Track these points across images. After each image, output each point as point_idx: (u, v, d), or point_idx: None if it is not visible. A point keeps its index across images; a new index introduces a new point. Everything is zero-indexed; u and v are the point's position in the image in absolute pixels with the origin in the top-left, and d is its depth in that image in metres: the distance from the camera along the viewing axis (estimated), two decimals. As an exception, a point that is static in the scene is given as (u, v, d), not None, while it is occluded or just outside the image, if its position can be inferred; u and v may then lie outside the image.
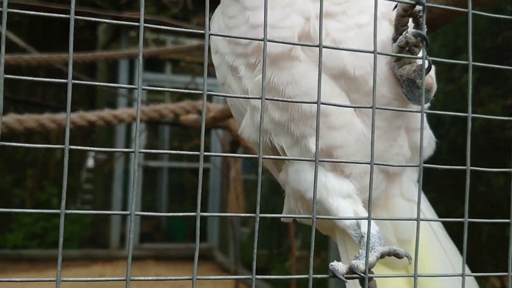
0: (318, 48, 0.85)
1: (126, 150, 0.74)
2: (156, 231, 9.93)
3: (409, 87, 1.17)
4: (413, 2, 1.00)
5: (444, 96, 4.08)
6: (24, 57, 5.22)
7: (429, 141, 1.41)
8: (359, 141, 1.24)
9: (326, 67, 1.16)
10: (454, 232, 1.44)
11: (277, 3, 1.18)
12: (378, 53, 0.88)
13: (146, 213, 0.76)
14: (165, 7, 8.23)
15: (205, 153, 0.74)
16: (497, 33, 3.49)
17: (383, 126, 1.25)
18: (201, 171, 0.74)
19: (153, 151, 0.76)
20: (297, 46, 1.18)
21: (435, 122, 4.26)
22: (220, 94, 0.90)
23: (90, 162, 10.03)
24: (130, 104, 8.35)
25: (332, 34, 1.19)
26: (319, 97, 0.84)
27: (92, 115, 3.63)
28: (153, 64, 9.15)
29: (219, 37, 1.31)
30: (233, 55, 1.28)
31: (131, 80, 8.82)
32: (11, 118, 3.35)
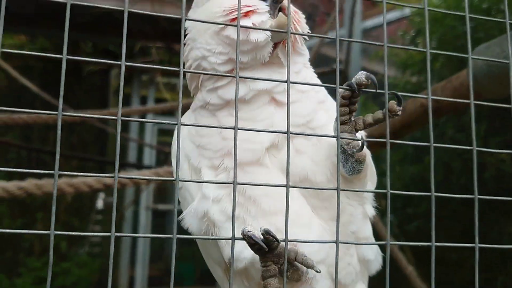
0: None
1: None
2: (165, 275, 9.79)
3: (343, 154, 1.26)
4: (348, 87, 1.18)
5: (452, 143, 4.10)
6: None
7: (376, 254, 1.48)
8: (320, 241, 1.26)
9: (289, 173, 1.26)
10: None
11: (256, 117, 1.32)
12: (342, 138, 0.92)
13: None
14: (177, 54, 8.42)
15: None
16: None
17: (340, 231, 1.31)
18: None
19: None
20: (265, 155, 1.31)
21: (446, 171, 4.28)
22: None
23: (100, 204, 10.02)
24: (140, 148, 8.42)
25: (296, 145, 1.32)
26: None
27: (93, 180, 3.70)
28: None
29: (187, 142, 1.40)
30: (199, 156, 1.37)
31: (141, 124, 8.90)
32: (30, 184, 3.42)
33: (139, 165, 8.27)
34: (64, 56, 0.71)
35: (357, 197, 1.37)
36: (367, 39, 8.31)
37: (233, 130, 0.93)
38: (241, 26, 0.94)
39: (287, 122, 0.91)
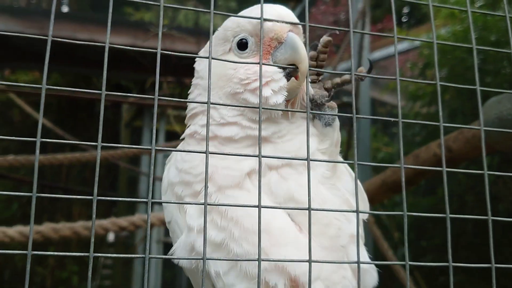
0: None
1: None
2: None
3: (317, 107, 1.44)
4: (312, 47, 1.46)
5: (468, 179, 4.08)
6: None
7: (370, 266, 1.48)
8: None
9: (274, 195, 1.36)
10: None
11: (232, 157, 1.36)
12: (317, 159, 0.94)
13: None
14: (187, 87, 8.54)
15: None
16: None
17: (328, 245, 1.35)
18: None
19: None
20: (246, 181, 1.36)
21: (459, 204, 4.25)
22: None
23: (111, 237, 10.00)
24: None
25: (282, 174, 1.38)
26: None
27: (108, 223, 3.77)
28: (174, 137, 9.34)
29: (171, 169, 1.49)
30: (181, 184, 1.42)
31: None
32: (47, 227, 3.50)
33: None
34: (103, 93, 0.75)
35: (345, 206, 1.43)
36: (376, 70, 8.38)
37: (208, 155, 0.99)
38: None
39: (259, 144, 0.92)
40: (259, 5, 1.44)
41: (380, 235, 4.35)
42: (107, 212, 9.08)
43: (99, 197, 0.85)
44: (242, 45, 1.46)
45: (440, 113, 1.03)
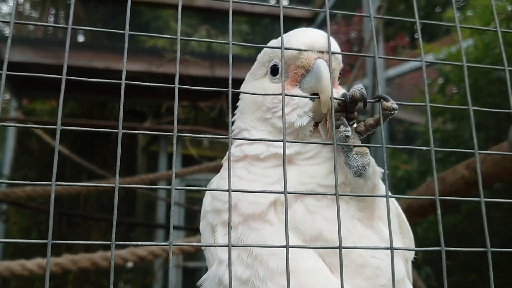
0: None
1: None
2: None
3: (345, 153, 1.32)
4: (343, 98, 1.28)
5: (492, 195, 3.98)
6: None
7: None
8: None
9: (300, 232, 1.29)
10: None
11: (267, 173, 1.38)
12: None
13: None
14: (202, 110, 8.58)
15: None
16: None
17: (365, 286, 1.27)
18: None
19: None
20: (270, 211, 1.32)
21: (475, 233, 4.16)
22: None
23: (130, 263, 9.97)
24: (168, 207, 8.41)
25: (307, 205, 1.33)
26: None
27: (126, 253, 3.76)
28: (190, 161, 9.37)
29: (208, 197, 1.49)
30: (213, 212, 1.42)
31: (169, 181, 8.96)
32: (66, 259, 3.50)
33: (167, 226, 8.24)
34: (120, 131, 0.74)
35: (382, 245, 1.32)
36: (390, 87, 8.33)
37: (231, 192, 0.99)
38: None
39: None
40: (295, 31, 1.45)
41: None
42: (124, 237, 9.08)
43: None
44: (274, 70, 1.50)
45: (475, 140, 0.99)
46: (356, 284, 1.26)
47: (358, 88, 1.28)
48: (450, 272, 4.34)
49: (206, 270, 1.44)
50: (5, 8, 11.05)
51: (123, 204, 9.15)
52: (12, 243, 8.53)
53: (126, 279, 9.73)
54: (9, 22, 0.84)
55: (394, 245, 1.36)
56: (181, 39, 0.96)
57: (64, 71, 0.87)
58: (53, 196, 0.81)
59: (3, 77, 0.80)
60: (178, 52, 0.96)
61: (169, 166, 9.03)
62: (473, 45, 5.04)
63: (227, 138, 0.98)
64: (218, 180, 1.51)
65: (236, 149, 1.49)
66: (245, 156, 1.44)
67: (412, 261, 1.54)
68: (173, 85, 0.97)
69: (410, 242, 1.52)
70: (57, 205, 8.70)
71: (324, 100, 1.32)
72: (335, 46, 1.42)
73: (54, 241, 0.82)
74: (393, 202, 1.53)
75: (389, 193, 1.10)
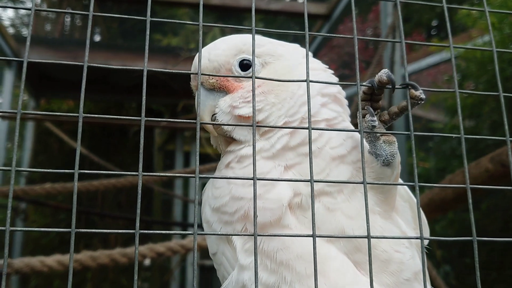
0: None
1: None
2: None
3: (372, 143, 1.29)
4: (369, 85, 1.25)
5: None
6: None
7: None
8: None
9: (322, 231, 1.24)
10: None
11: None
12: (368, 183, 0.88)
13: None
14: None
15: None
16: None
17: (391, 282, 1.25)
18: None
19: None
20: (287, 215, 1.26)
21: (504, 219, 4.09)
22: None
23: (147, 262, 10.03)
24: (185, 205, 8.45)
25: (325, 203, 1.28)
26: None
27: (145, 249, 3.78)
28: (207, 160, 9.39)
29: (206, 208, 1.42)
30: (220, 223, 1.35)
31: (185, 181, 9.00)
32: (85, 256, 3.53)
33: (184, 224, 8.29)
34: (143, 118, 0.74)
35: (403, 240, 1.30)
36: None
37: (251, 180, 0.95)
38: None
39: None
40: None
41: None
42: (142, 235, 9.13)
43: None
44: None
45: (506, 127, 0.96)
46: (382, 280, 1.25)
47: (384, 72, 1.25)
48: (470, 270, 4.28)
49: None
50: (23, 10, 11.21)
51: (141, 203, 9.21)
52: (31, 240, 8.66)
53: (144, 277, 9.80)
54: (30, 10, 0.87)
55: (411, 241, 1.33)
56: (203, 25, 0.97)
57: (86, 58, 0.88)
58: (76, 185, 0.81)
59: (24, 64, 0.81)
60: (200, 39, 0.96)
61: (186, 165, 9.07)
62: (489, 41, 4.96)
63: (251, 126, 0.97)
64: (213, 191, 1.42)
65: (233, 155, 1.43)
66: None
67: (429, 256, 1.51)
68: (196, 73, 0.98)
69: (426, 233, 1.48)
70: (76, 203, 8.77)
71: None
72: (219, 52, 1.43)
73: (78, 230, 0.83)
74: (408, 193, 1.49)
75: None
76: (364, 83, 1.24)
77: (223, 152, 1.47)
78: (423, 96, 1.19)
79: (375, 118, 1.24)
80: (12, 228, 0.74)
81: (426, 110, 7.68)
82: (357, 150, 1.34)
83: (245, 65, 1.42)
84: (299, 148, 1.33)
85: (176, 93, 7.44)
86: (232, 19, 9.10)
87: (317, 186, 1.27)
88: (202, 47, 1.10)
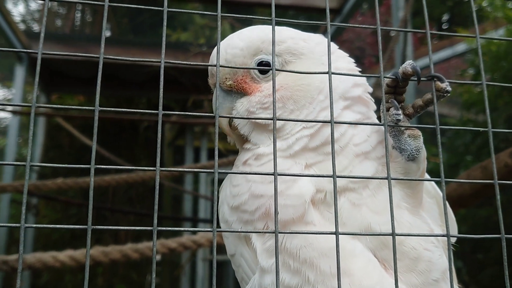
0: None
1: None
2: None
3: (396, 137, 1.25)
4: (393, 77, 1.22)
5: None
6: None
7: None
8: None
9: (348, 228, 1.20)
10: None
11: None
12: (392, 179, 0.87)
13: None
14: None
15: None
16: None
17: (419, 282, 1.20)
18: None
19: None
20: (310, 211, 1.23)
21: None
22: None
23: (158, 257, 10.08)
24: (195, 200, 8.45)
25: (350, 199, 1.24)
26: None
27: (157, 244, 3.81)
28: (219, 154, 9.37)
29: (224, 207, 1.38)
30: (240, 222, 1.31)
31: (196, 176, 9.01)
32: (97, 251, 3.53)
33: (194, 219, 8.30)
34: (160, 112, 0.72)
35: (432, 238, 1.26)
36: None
37: (273, 176, 0.92)
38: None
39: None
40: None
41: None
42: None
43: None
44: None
45: None
46: (410, 281, 1.21)
47: (409, 63, 1.21)
48: (483, 266, 4.24)
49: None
50: (34, 5, 11.24)
51: (151, 198, 9.24)
52: (42, 235, 8.73)
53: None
54: (44, 0, 0.88)
55: (438, 239, 1.29)
56: (221, 16, 0.96)
57: (102, 50, 0.87)
58: (92, 180, 0.80)
59: (39, 56, 0.80)
60: (219, 29, 0.96)
61: (196, 160, 9.07)
62: (503, 35, 4.90)
63: (271, 119, 0.95)
64: (231, 189, 1.39)
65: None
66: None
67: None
68: (214, 65, 0.97)
69: (453, 230, 1.45)
70: (87, 198, 8.83)
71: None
72: (236, 52, 1.39)
73: (94, 227, 0.82)
74: (436, 188, 1.45)
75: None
76: (388, 75, 1.21)
77: (240, 149, 1.45)
78: (449, 88, 1.16)
79: (400, 112, 1.20)
80: (26, 225, 0.73)
81: (439, 104, 7.61)
82: (382, 145, 1.31)
83: (263, 66, 1.38)
84: (319, 148, 1.29)
85: (186, 88, 7.44)
86: (242, 13, 9.06)
87: (340, 182, 1.23)
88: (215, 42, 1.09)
